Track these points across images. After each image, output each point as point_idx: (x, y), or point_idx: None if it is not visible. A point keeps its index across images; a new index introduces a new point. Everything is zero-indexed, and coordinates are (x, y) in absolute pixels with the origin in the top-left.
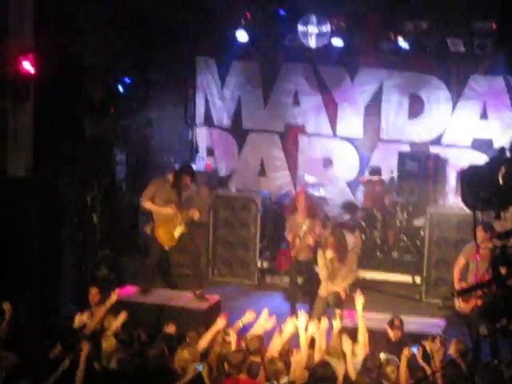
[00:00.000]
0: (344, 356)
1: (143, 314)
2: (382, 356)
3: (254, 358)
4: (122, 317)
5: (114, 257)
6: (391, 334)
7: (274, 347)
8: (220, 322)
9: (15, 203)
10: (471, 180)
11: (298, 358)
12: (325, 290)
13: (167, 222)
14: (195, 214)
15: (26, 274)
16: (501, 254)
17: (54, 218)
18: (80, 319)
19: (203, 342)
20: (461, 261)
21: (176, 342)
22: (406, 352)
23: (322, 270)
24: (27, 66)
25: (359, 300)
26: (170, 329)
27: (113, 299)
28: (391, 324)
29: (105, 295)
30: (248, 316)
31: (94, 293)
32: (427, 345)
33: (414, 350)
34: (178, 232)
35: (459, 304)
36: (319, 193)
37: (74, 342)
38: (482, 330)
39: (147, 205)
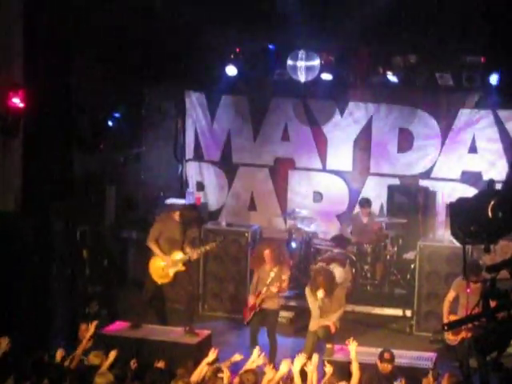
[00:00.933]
0: None
1: (133, 349)
2: None
3: None
4: (113, 355)
5: (104, 292)
6: (381, 367)
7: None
8: (211, 356)
9: (4, 239)
10: (460, 213)
11: None
12: (315, 324)
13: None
14: (194, 255)
15: (15, 310)
16: (490, 287)
17: (43, 253)
18: (60, 354)
19: (194, 377)
20: (451, 294)
21: (167, 378)
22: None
23: (312, 307)
24: (17, 101)
25: (352, 346)
26: (161, 364)
27: (91, 331)
28: (381, 357)
29: (96, 331)
30: (236, 357)
31: (83, 328)
32: (423, 380)
33: (396, 382)
34: (173, 271)
35: (448, 336)
36: (309, 227)
37: (59, 376)
38: (472, 363)
39: (151, 246)
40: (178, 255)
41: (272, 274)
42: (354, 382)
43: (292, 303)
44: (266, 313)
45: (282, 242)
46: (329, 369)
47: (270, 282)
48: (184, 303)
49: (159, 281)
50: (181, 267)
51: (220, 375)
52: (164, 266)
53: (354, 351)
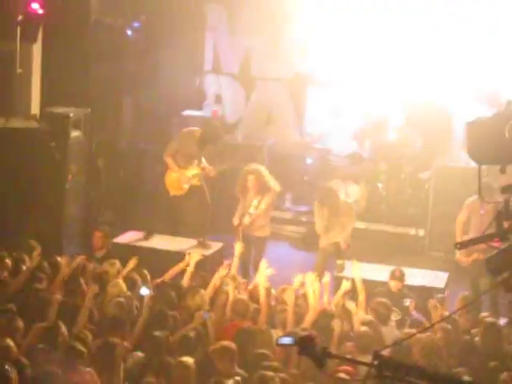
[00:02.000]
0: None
1: (147, 259)
2: None
3: (258, 306)
4: (133, 262)
5: (119, 202)
6: (392, 284)
7: (288, 298)
8: (222, 270)
9: (21, 149)
10: (477, 133)
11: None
12: (325, 241)
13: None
14: (212, 173)
15: (30, 217)
16: (504, 208)
17: (59, 163)
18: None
19: (209, 290)
20: (463, 215)
21: (180, 289)
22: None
23: (318, 221)
24: (36, 7)
25: (356, 266)
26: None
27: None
28: (392, 275)
29: (109, 239)
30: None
31: (97, 236)
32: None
33: (407, 302)
34: (188, 185)
35: (460, 257)
36: (325, 143)
37: (74, 284)
38: (483, 283)
39: (167, 160)
40: (194, 170)
41: (254, 203)
42: (361, 302)
43: (304, 218)
44: (253, 240)
45: (267, 171)
46: (345, 285)
47: (251, 212)
48: (198, 216)
49: (174, 193)
50: (196, 182)
51: (225, 287)
52: (179, 178)
53: (358, 272)
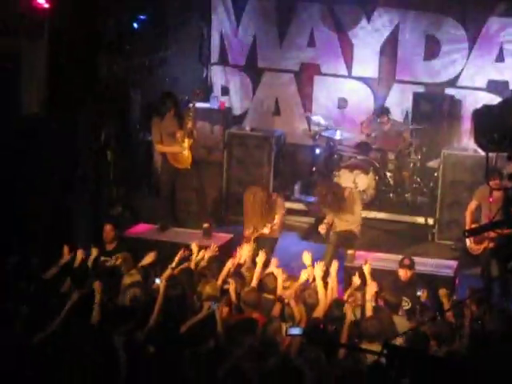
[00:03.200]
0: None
1: (159, 252)
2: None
3: (268, 296)
4: (152, 256)
5: (128, 194)
6: (401, 273)
7: (290, 291)
8: (230, 263)
9: (30, 141)
10: (484, 120)
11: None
12: (335, 229)
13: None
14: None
15: (40, 211)
16: None
17: (68, 155)
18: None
19: (220, 281)
20: (473, 203)
21: (192, 279)
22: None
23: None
24: (42, 1)
25: (366, 268)
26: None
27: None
28: (401, 263)
29: (119, 233)
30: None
31: (108, 229)
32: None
33: (419, 292)
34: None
35: (470, 245)
36: (333, 134)
37: (82, 277)
38: (494, 270)
39: (159, 148)
40: (185, 144)
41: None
42: (370, 297)
43: (312, 208)
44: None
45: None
46: (356, 280)
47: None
48: (197, 204)
49: (181, 165)
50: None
51: (226, 286)
52: (177, 151)
53: (368, 271)
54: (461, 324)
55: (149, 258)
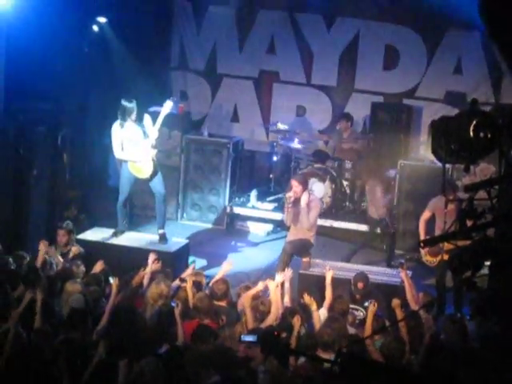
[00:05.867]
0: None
1: (112, 256)
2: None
3: (220, 303)
4: (100, 264)
5: (84, 197)
6: (357, 286)
7: (246, 299)
8: (189, 270)
9: None
10: (442, 132)
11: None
12: (291, 236)
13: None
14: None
15: None
16: (467, 206)
17: (23, 157)
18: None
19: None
20: (426, 213)
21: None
22: (371, 305)
23: (287, 217)
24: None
25: (329, 274)
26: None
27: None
28: (355, 285)
29: (73, 236)
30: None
31: (61, 234)
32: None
33: (366, 303)
34: (148, 159)
35: (427, 258)
36: (291, 141)
37: (34, 280)
38: (448, 281)
39: (118, 155)
40: (147, 147)
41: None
42: (327, 306)
43: (269, 216)
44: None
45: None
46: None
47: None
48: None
49: (141, 176)
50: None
51: (183, 284)
52: (136, 163)
53: (330, 279)
54: (419, 334)
55: (98, 267)
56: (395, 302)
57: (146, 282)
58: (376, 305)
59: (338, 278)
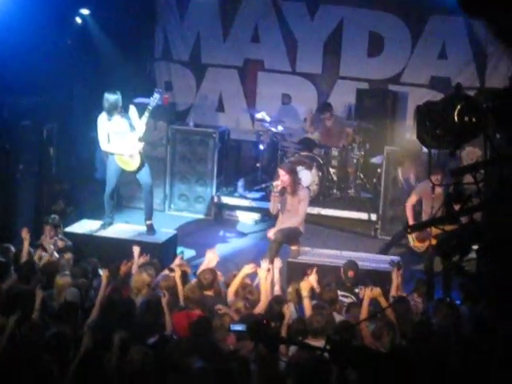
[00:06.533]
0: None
1: (99, 248)
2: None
3: (207, 293)
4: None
5: (71, 191)
6: (347, 274)
7: (232, 286)
8: (177, 261)
9: None
10: (427, 117)
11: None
12: (279, 225)
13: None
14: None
15: None
16: (454, 190)
17: (9, 152)
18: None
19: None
20: (413, 198)
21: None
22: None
23: (272, 204)
24: None
25: (312, 278)
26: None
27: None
28: (345, 274)
29: (60, 229)
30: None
31: (48, 229)
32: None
33: (357, 290)
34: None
35: (415, 244)
36: (277, 130)
37: (29, 273)
38: (437, 266)
39: (105, 147)
40: (133, 139)
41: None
42: (305, 294)
43: (256, 205)
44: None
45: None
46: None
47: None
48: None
49: (128, 168)
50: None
51: (171, 274)
52: (125, 157)
53: (306, 290)
54: (408, 319)
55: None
56: (376, 291)
57: (134, 272)
58: (372, 290)
59: (327, 265)
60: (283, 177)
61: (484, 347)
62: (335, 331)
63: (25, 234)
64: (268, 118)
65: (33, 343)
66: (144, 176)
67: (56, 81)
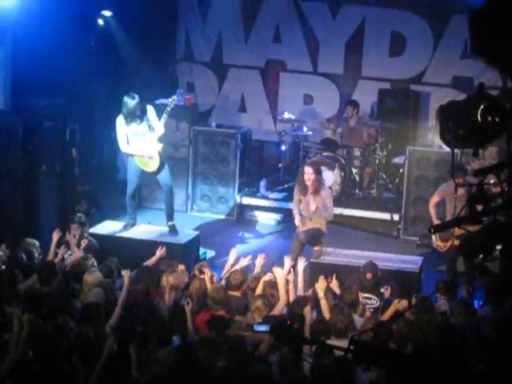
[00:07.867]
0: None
1: (124, 249)
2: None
3: (234, 293)
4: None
5: (94, 192)
6: (366, 276)
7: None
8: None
9: None
10: (450, 117)
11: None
12: (299, 226)
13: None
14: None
15: (5, 210)
16: (477, 191)
17: (32, 152)
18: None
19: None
20: (436, 198)
21: (155, 275)
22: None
23: (294, 206)
24: None
25: (321, 285)
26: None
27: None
28: (364, 275)
29: (86, 228)
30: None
31: (74, 227)
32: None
33: (382, 289)
34: (154, 153)
35: (437, 243)
36: (299, 130)
37: (49, 274)
38: (460, 267)
39: (124, 149)
40: (152, 141)
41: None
42: (321, 295)
43: (279, 205)
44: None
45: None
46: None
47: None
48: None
49: (148, 169)
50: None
51: (202, 276)
52: (145, 158)
53: (323, 291)
54: (428, 320)
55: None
56: (403, 303)
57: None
58: (400, 302)
59: (350, 265)
60: (310, 175)
61: (504, 347)
62: (374, 331)
63: (55, 235)
64: (289, 119)
65: (58, 343)
66: (164, 177)
67: (79, 82)
